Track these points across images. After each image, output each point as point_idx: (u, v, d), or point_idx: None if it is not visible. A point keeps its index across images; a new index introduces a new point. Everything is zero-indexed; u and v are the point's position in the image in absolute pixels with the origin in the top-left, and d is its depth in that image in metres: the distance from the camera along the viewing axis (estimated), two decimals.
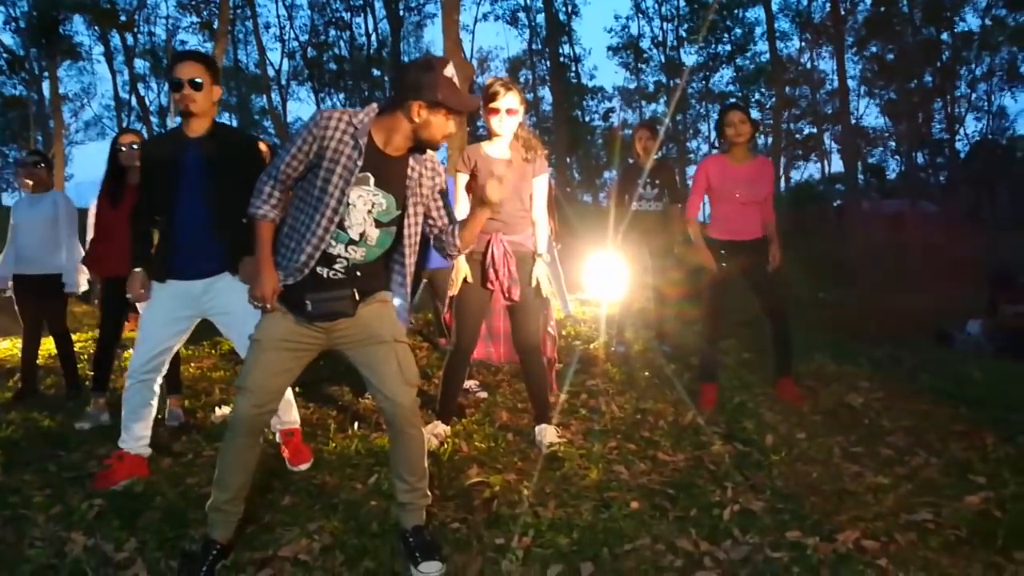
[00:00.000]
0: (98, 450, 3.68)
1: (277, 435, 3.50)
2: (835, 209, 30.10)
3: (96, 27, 27.83)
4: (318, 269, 2.39)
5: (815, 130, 36.52)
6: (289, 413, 3.45)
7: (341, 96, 37.28)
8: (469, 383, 4.62)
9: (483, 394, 4.54)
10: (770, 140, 34.04)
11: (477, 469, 3.23)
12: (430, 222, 2.61)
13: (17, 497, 3.06)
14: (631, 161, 6.03)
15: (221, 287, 3.15)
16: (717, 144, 4.41)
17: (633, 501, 2.88)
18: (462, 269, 3.54)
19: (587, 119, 38.72)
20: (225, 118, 35.31)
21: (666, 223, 5.75)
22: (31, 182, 4.89)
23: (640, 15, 36.99)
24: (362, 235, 2.40)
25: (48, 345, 6.70)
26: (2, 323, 7.73)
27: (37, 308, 4.96)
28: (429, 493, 2.62)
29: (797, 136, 36.80)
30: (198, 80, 3.06)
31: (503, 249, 3.50)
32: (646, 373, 4.87)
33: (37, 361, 5.23)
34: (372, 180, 2.38)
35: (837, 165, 37.81)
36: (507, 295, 3.51)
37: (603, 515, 2.78)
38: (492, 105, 3.46)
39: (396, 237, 2.51)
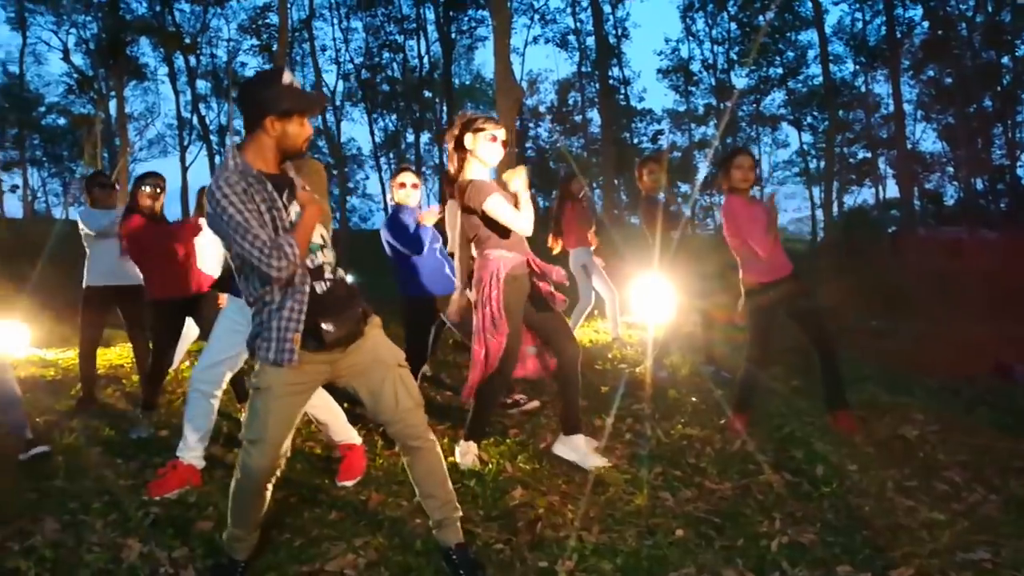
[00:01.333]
0: (154, 459, 3.79)
1: (336, 450, 3.57)
2: (889, 235, 29.44)
3: (161, 49, 28.85)
4: (315, 284, 2.37)
5: (869, 155, 35.81)
6: (347, 431, 3.52)
7: (393, 117, 37.88)
8: (518, 396, 4.66)
9: (535, 403, 4.56)
10: (823, 164, 33.54)
11: (521, 490, 3.24)
12: None
13: (77, 503, 3.17)
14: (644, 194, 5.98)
15: None
16: (718, 184, 4.36)
17: (678, 529, 2.85)
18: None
19: (635, 141, 38.63)
20: None
21: (714, 246, 5.74)
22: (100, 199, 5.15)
23: (690, 38, 36.91)
24: (323, 237, 2.47)
25: (108, 356, 6.94)
26: (64, 333, 8.02)
27: (106, 319, 5.17)
28: (459, 505, 2.63)
29: (851, 160, 36.13)
30: None
31: (540, 265, 3.57)
32: (693, 398, 4.81)
33: (97, 371, 5.41)
34: (287, 194, 2.39)
35: (892, 191, 36.97)
36: (556, 300, 3.60)
37: (648, 542, 2.76)
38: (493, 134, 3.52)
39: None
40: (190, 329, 5.87)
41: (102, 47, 23.58)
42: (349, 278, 2.62)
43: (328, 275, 2.42)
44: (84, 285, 5.09)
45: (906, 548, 2.68)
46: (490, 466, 3.55)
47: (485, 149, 3.47)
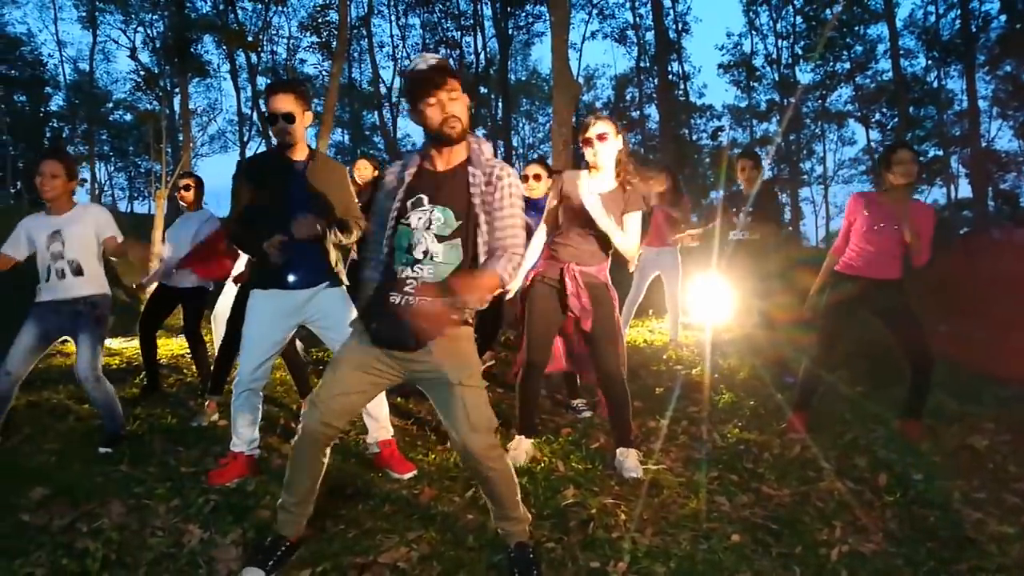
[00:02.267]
0: (214, 448, 3.89)
1: (375, 447, 3.61)
2: (961, 236, 28.42)
3: (224, 47, 29.60)
4: (389, 295, 2.43)
5: (941, 153, 34.59)
6: (378, 430, 3.58)
7: None
8: (576, 401, 4.63)
9: (587, 413, 4.53)
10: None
11: (574, 490, 3.22)
12: (490, 229, 2.48)
13: (141, 488, 3.28)
14: (735, 189, 5.89)
15: (323, 296, 3.36)
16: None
17: (734, 534, 2.80)
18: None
19: (695, 138, 38.09)
20: (337, 133, 36.81)
21: (772, 247, 5.59)
22: (184, 202, 5.38)
23: (754, 32, 36.19)
24: (426, 253, 2.43)
25: (170, 345, 7.16)
26: (128, 323, 8.31)
27: (166, 315, 5.37)
28: (527, 515, 2.62)
29: (921, 159, 34.93)
30: (291, 114, 3.25)
31: (575, 279, 3.52)
32: (751, 402, 4.72)
33: (159, 360, 5.59)
34: (424, 200, 2.44)
35: (964, 190, 35.63)
36: (582, 320, 3.53)
37: (702, 546, 2.72)
38: (584, 136, 3.51)
39: (464, 250, 2.45)
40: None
41: (168, 45, 24.27)
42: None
43: (409, 290, 2.41)
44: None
45: (973, 561, 2.59)
46: (542, 464, 3.55)
47: (585, 153, 3.59)
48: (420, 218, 2.43)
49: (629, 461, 3.51)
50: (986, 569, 2.54)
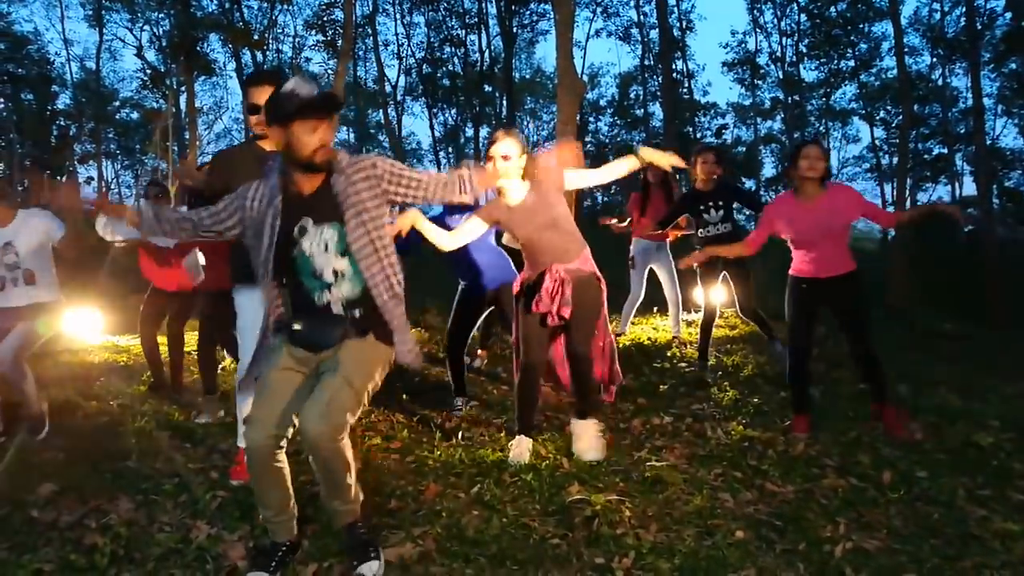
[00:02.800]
0: (221, 444, 3.91)
1: None
2: (965, 235, 28.33)
3: (230, 45, 29.65)
4: (315, 298, 2.50)
5: (945, 150, 34.48)
6: None
7: (453, 111, 38.14)
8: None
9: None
10: (895, 160, 32.41)
11: (578, 487, 3.23)
12: (412, 196, 2.58)
13: (148, 484, 3.30)
14: (694, 187, 5.81)
15: None
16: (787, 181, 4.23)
17: (738, 530, 2.81)
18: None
19: (699, 136, 37.99)
20: (343, 132, 36.80)
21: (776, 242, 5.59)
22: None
23: (758, 30, 36.08)
24: (335, 273, 2.47)
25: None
26: (135, 321, 8.32)
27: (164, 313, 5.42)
28: (359, 497, 2.64)
29: (925, 156, 34.83)
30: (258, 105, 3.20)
31: (558, 279, 3.54)
32: (755, 399, 4.73)
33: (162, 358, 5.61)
34: (310, 222, 2.44)
35: (969, 188, 35.51)
36: (556, 317, 3.55)
37: (706, 542, 2.73)
38: (488, 153, 3.53)
39: (371, 252, 2.48)
40: None
41: (174, 43, 24.34)
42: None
43: (337, 313, 2.51)
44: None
45: (977, 558, 2.60)
46: (547, 461, 3.56)
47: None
48: (312, 243, 2.44)
49: (585, 436, 3.64)
50: (990, 566, 2.54)
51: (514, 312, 3.80)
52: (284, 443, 2.51)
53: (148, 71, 28.29)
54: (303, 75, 2.47)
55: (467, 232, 3.63)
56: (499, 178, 3.42)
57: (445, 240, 3.56)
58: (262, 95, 3.17)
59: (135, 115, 35.46)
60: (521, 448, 3.65)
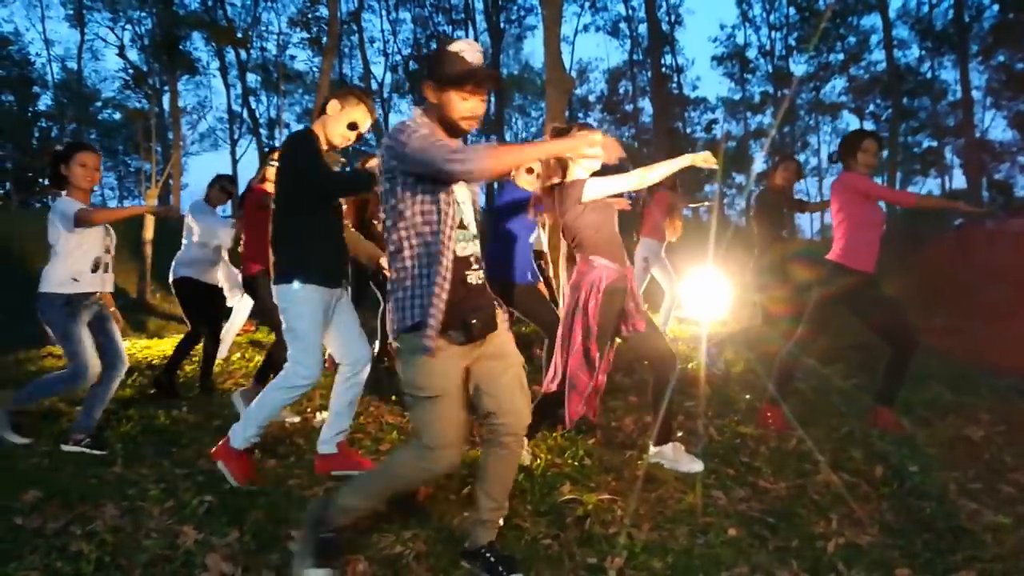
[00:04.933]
0: (207, 449, 3.87)
1: (331, 446, 3.55)
2: (955, 227, 28.47)
3: (213, 43, 29.49)
4: (467, 276, 2.33)
5: (935, 143, 34.65)
6: (341, 432, 3.55)
7: None
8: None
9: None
10: (885, 153, 32.52)
11: (570, 486, 3.21)
12: None
13: (135, 489, 3.26)
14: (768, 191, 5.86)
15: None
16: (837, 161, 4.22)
17: (731, 528, 2.81)
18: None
19: (688, 131, 38.08)
20: None
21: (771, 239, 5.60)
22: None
23: (747, 23, 36.16)
24: (468, 224, 2.39)
25: (162, 346, 7.14)
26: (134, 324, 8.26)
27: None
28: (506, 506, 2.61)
29: (915, 150, 35.00)
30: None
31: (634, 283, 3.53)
32: (747, 396, 4.73)
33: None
34: None
35: (959, 181, 35.69)
36: (635, 327, 3.49)
37: (699, 540, 2.72)
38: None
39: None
40: (235, 317, 6.08)
41: (156, 42, 24.20)
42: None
43: (475, 266, 2.38)
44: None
45: (968, 552, 2.60)
46: (539, 461, 3.54)
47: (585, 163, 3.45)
48: (463, 191, 2.37)
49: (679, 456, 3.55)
50: (982, 559, 2.54)
51: (571, 317, 3.48)
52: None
53: (130, 71, 28.11)
54: (471, 40, 2.38)
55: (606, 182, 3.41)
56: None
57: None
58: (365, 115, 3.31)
59: (118, 115, 35.25)
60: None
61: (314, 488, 3.29)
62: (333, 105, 3.30)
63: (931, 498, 3.08)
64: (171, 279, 5.38)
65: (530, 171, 4.38)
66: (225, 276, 5.61)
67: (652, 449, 3.56)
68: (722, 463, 3.53)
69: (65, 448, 3.85)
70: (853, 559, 2.56)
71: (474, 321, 2.28)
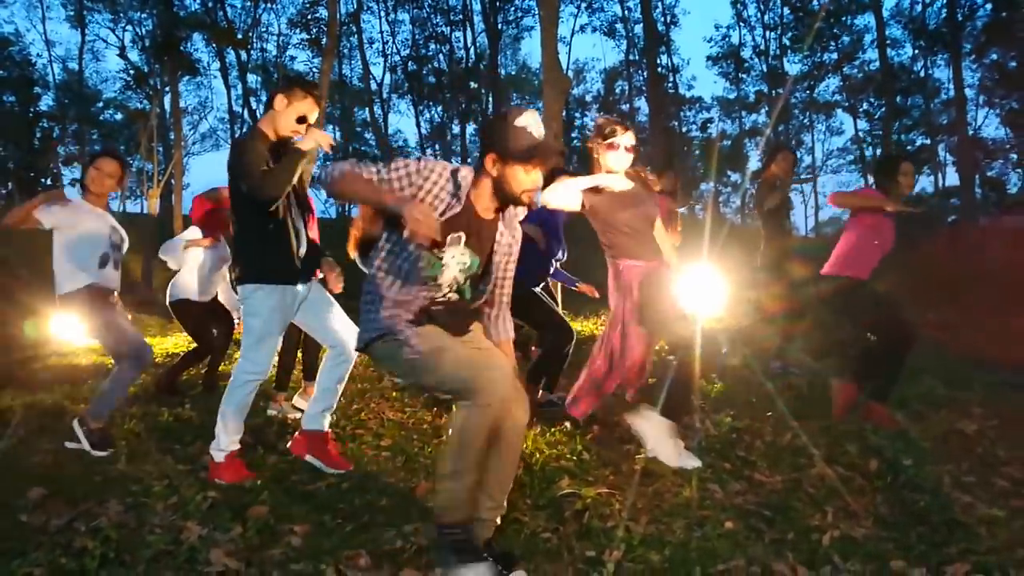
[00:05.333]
0: (210, 444, 3.89)
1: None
2: (949, 224, 28.55)
3: (214, 44, 29.47)
4: (432, 307, 2.50)
5: (928, 141, 34.72)
6: (322, 418, 3.61)
7: (439, 108, 38.08)
8: (555, 396, 4.61)
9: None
10: (879, 152, 32.62)
11: (569, 480, 3.24)
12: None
13: (138, 486, 3.28)
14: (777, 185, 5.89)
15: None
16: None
17: (727, 521, 2.83)
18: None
19: (684, 130, 38.11)
20: (328, 130, 36.66)
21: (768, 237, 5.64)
22: None
23: (741, 24, 36.21)
24: (451, 286, 2.50)
25: (165, 344, 7.16)
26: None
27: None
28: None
29: (908, 148, 35.08)
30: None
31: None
32: (743, 391, 4.76)
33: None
34: (463, 240, 2.42)
35: (952, 178, 35.77)
36: None
37: (696, 533, 2.75)
38: (611, 141, 3.54)
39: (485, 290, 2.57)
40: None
41: (157, 43, 24.19)
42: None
43: (440, 300, 2.53)
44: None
45: (962, 544, 2.62)
46: (537, 455, 3.57)
47: (610, 159, 3.57)
48: (453, 257, 2.44)
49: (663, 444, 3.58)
50: (976, 552, 2.56)
51: (624, 314, 3.65)
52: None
53: (131, 71, 28.06)
54: (534, 112, 2.39)
55: (565, 191, 3.52)
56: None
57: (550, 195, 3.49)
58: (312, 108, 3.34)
59: (119, 116, 35.17)
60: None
61: (317, 483, 3.31)
62: (280, 100, 3.32)
63: (925, 491, 3.11)
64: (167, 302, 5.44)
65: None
66: (226, 299, 5.62)
67: (649, 445, 3.60)
68: (718, 457, 3.56)
69: (69, 445, 3.87)
70: (848, 551, 2.59)
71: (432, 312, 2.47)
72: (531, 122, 2.32)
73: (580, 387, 3.75)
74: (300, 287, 3.42)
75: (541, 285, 4.63)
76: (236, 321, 5.49)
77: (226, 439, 3.36)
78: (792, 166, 5.84)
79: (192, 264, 5.29)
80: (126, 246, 4.21)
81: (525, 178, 2.34)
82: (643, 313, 3.55)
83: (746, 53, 36.78)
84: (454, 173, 2.40)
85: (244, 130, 34.96)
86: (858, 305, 4.12)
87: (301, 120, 3.33)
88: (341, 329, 3.52)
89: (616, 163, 3.56)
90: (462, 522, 2.42)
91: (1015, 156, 34.38)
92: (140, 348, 3.91)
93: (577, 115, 39.28)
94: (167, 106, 27.83)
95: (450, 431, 2.41)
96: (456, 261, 2.45)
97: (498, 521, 2.62)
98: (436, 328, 2.47)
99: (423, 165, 2.39)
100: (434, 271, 2.43)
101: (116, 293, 4.11)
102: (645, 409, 3.62)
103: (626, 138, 3.54)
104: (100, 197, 4.04)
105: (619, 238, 3.57)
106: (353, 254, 3.48)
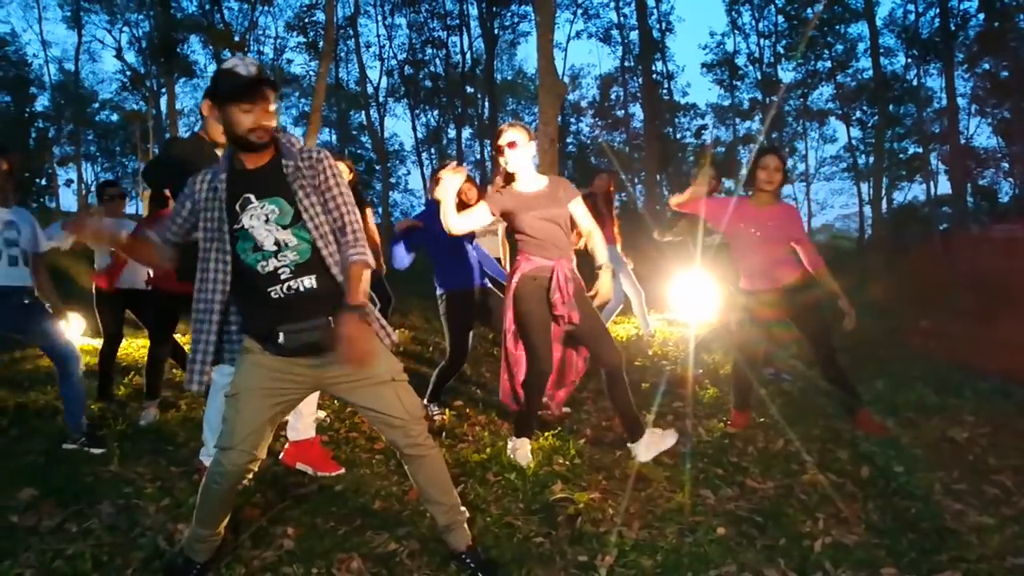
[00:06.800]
0: (203, 447, 3.88)
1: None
2: (940, 233, 28.71)
3: (211, 47, 29.46)
4: (269, 291, 2.34)
5: (920, 150, 34.86)
6: (305, 429, 3.59)
7: (435, 112, 38.11)
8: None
9: (567, 409, 4.54)
10: (871, 160, 32.76)
11: (561, 485, 3.25)
12: (324, 210, 2.42)
13: (131, 488, 3.28)
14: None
15: None
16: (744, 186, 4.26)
17: (719, 527, 2.84)
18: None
19: (679, 136, 38.22)
20: (325, 133, 36.70)
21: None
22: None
23: (736, 31, 36.34)
24: (277, 242, 2.35)
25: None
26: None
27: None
28: (464, 508, 2.65)
29: (901, 156, 35.23)
30: None
31: (565, 275, 3.53)
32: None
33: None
34: (252, 197, 2.35)
35: (944, 187, 35.88)
36: (568, 320, 3.52)
37: (688, 539, 2.76)
38: (497, 143, 3.58)
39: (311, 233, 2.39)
40: None
41: (154, 45, 24.23)
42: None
43: (287, 279, 2.34)
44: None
45: (953, 552, 2.63)
46: (529, 460, 3.58)
47: (507, 160, 3.58)
48: (253, 215, 2.35)
49: (642, 455, 3.59)
50: (966, 559, 2.57)
51: (508, 312, 3.69)
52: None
53: (128, 73, 28.06)
54: (245, 55, 2.43)
55: (475, 217, 3.58)
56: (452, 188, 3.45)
57: (455, 221, 3.50)
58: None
59: (115, 117, 35.13)
60: (523, 451, 3.64)
61: (309, 486, 3.31)
62: (205, 106, 3.31)
63: (916, 498, 3.12)
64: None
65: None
66: None
67: (630, 447, 3.63)
68: (711, 463, 3.57)
69: (65, 447, 3.86)
70: (840, 558, 2.60)
71: (280, 336, 2.32)
72: (236, 64, 2.34)
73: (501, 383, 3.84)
74: None
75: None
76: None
77: (214, 443, 3.34)
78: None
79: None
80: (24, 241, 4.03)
81: (244, 118, 2.30)
82: (519, 325, 3.63)
83: (740, 60, 36.93)
84: (208, 169, 2.44)
85: None
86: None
87: None
88: None
89: (512, 162, 3.55)
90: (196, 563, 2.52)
91: (1007, 165, 34.61)
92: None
93: (573, 121, 39.35)
94: (163, 107, 27.84)
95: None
96: (259, 218, 2.34)
97: (465, 523, 2.61)
98: (262, 359, 2.37)
99: (188, 187, 2.46)
100: (247, 241, 2.34)
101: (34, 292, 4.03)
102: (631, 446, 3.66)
103: (505, 136, 3.55)
104: None
105: (522, 237, 3.60)
106: None
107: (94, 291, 5.13)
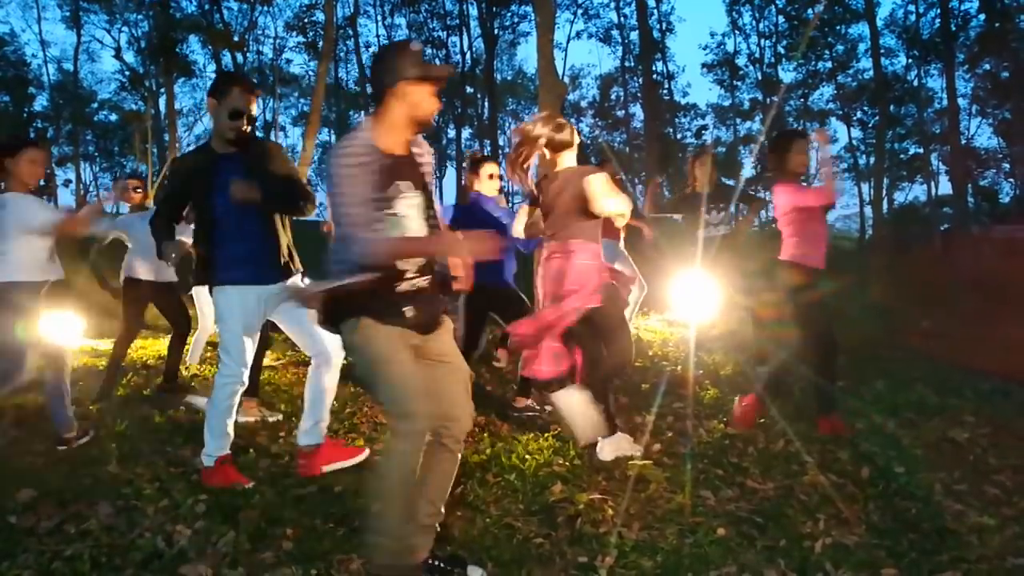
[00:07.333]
0: (202, 447, 3.87)
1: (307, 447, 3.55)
2: (941, 233, 28.72)
3: (210, 47, 29.46)
4: (403, 280, 2.37)
5: (921, 150, 34.89)
6: (318, 431, 3.54)
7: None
8: (526, 402, 4.55)
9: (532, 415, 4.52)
10: (872, 160, 32.78)
11: (561, 486, 3.24)
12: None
13: (130, 488, 3.27)
14: (688, 191, 5.98)
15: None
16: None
17: (720, 528, 2.83)
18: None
19: (679, 136, 38.23)
20: (324, 133, 36.66)
21: (760, 242, 5.66)
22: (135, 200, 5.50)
23: (736, 32, 36.37)
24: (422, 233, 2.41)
25: (157, 346, 7.13)
26: (115, 325, 8.23)
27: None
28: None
29: (901, 156, 35.26)
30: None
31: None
32: (736, 397, 4.75)
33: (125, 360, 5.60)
34: (405, 186, 2.37)
35: (944, 187, 35.91)
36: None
37: (688, 540, 2.75)
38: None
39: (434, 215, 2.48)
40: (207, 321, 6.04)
41: (153, 45, 24.23)
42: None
43: (412, 276, 2.38)
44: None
45: (954, 552, 2.63)
46: (529, 461, 3.57)
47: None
48: (408, 205, 2.38)
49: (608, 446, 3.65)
50: (967, 560, 2.57)
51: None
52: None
53: (127, 73, 28.08)
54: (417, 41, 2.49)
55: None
56: None
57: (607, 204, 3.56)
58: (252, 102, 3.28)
59: (114, 117, 35.12)
60: (622, 442, 3.69)
61: (308, 487, 3.30)
62: (209, 104, 3.31)
63: (917, 499, 3.12)
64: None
65: (492, 176, 4.60)
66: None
67: (599, 443, 3.65)
68: (711, 464, 3.56)
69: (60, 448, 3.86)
70: (840, 559, 2.59)
71: (410, 312, 2.35)
72: (417, 46, 2.38)
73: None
74: (272, 287, 3.37)
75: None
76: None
77: (214, 444, 3.33)
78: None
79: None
80: None
81: (431, 102, 2.37)
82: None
83: (741, 61, 37.02)
84: (362, 143, 2.31)
85: None
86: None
87: (235, 115, 3.24)
88: (323, 335, 3.35)
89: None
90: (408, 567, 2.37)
91: (1008, 166, 34.62)
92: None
93: (573, 121, 39.18)
94: (162, 107, 27.84)
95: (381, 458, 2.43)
96: (409, 206, 2.38)
97: (438, 528, 2.57)
98: (397, 331, 2.34)
99: (353, 158, 2.27)
100: (394, 229, 2.34)
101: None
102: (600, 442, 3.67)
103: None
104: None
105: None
106: None
107: (121, 284, 5.28)
